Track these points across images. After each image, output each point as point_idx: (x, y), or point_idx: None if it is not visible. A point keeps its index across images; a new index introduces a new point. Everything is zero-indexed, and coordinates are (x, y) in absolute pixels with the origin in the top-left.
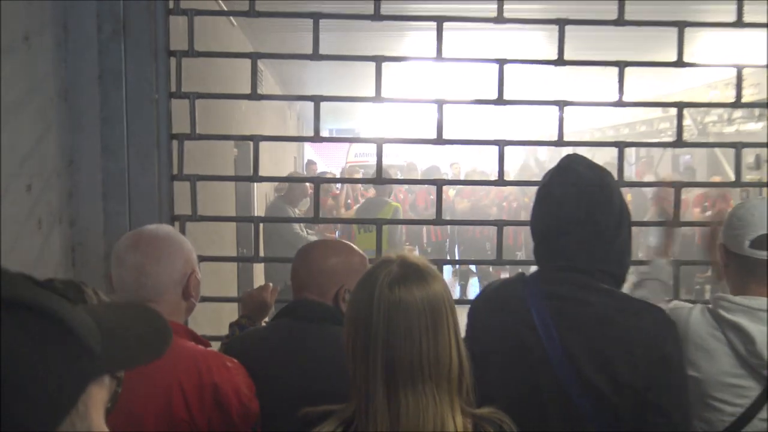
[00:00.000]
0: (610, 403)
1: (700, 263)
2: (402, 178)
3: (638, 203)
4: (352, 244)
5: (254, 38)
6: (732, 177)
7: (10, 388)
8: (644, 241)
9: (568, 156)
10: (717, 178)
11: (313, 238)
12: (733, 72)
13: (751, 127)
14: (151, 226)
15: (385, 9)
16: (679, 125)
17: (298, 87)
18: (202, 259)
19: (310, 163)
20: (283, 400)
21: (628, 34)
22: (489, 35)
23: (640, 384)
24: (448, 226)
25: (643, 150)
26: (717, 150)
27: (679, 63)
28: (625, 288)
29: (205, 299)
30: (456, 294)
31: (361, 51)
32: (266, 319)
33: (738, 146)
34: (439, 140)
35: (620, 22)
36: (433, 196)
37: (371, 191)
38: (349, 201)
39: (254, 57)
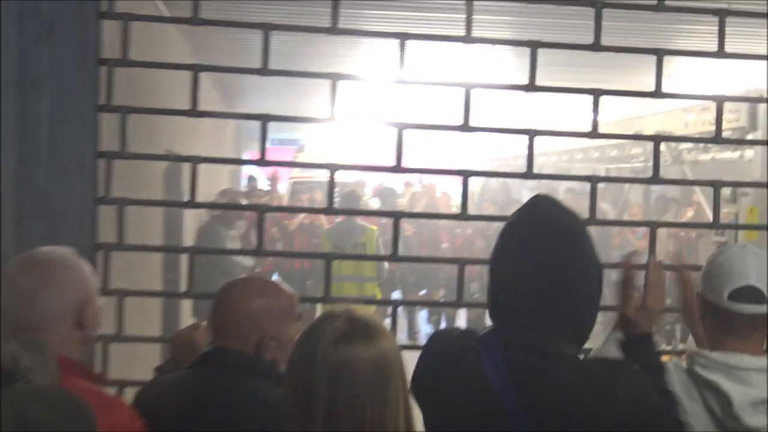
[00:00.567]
0: None
1: (671, 311)
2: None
3: (601, 233)
4: (279, 284)
5: (191, 36)
6: (707, 209)
7: None
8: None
9: (539, 196)
10: (690, 211)
11: (249, 264)
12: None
13: (727, 156)
14: (46, 248)
15: (345, 15)
16: (656, 160)
17: (239, 94)
18: (124, 293)
19: (251, 180)
20: None
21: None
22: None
23: None
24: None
25: (613, 175)
26: (689, 173)
27: (658, 93)
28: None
29: (124, 339)
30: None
31: (316, 56)
32: None
33: (716, 185)
34: (398, 168)
35: (596, 47)
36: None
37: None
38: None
39: (197, 69)
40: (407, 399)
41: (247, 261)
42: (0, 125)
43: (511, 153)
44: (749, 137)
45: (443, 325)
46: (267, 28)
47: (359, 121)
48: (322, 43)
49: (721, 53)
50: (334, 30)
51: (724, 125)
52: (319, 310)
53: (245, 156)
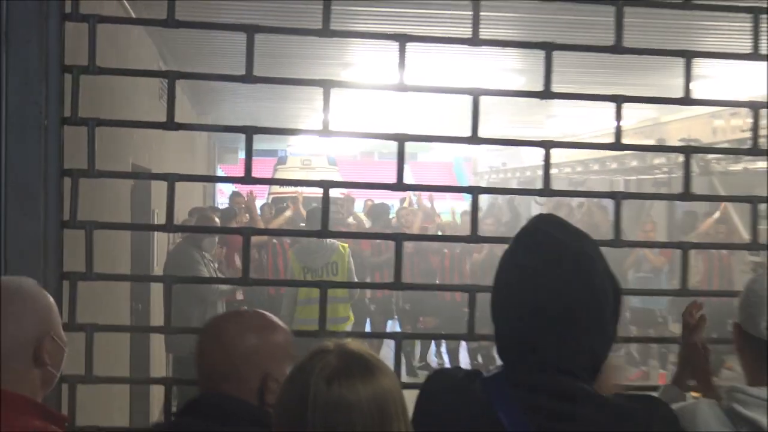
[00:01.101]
0: None
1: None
2: (338, 211)
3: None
4: (272, 317)
5: (160, 39)
6: (733, 216)
7: None
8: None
9: (540, 217)
10: (716, 213)
11: (226, 289)
12: (740, 96)
13: (761, 166)
14: (3, 278)
15: (338, 13)
16: (686, 174)
17: (211, 101)
18: (93, 328)
19: (236, 195)
20: None
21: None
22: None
23: None
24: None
25: (632, 188)
26: (719, 185)
27: (687, 100)
28: None
29: (95, 380)
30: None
31: (304, 57)
32: None
33: (754, 201)
34: (400, 185)
35: (618, 49)
36: (379, 241)
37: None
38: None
39: (173, 77)
40: None
41: (225, 286)
42: None
43: (514, 163)
44: None
45: (445, 359)
46: (252, 30)
47: (355, 133)
48: (312, 46)
49: (755, 55)
50: (325, 32)
51: (760, 131)
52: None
53: (219, 170)
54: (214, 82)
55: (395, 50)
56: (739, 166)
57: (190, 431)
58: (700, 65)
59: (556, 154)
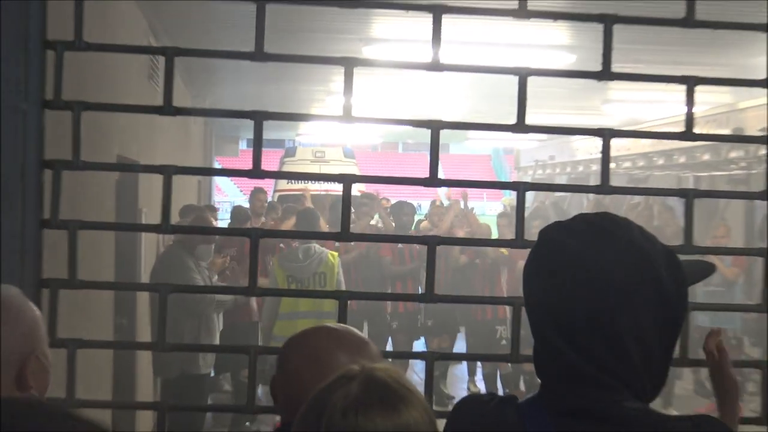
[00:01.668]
0: None
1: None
2: (367, 213)
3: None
4: (362, 335)
5: (149, 9)
6: None
7: None
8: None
9: (606, 215)
10: None
11: (225, 299)
12: None
13: None
14: None
15: None
16: None
17: (208, 81)
18: (76, 344)
19: (259, 192)
20: None
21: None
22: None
23: None
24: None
25: (704, 186)
26: None
27: None
28: None
29: (77, 404)
30: None
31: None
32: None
33: None
34: (434, 180)
35: (689, 23)
36: (402, 246)
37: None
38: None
39: (170, 54)
40: None
41: (224, 296)
42: None
43: (564, 156)
44: None
45: (481, 387)
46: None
47: (382, 119)
48: (330, 18)
49: None
50: (347, 2)
51: None
52: None
53: (216, 164)
54: (211, 60)
55: (428, 23)
56: None
57: None
58: None
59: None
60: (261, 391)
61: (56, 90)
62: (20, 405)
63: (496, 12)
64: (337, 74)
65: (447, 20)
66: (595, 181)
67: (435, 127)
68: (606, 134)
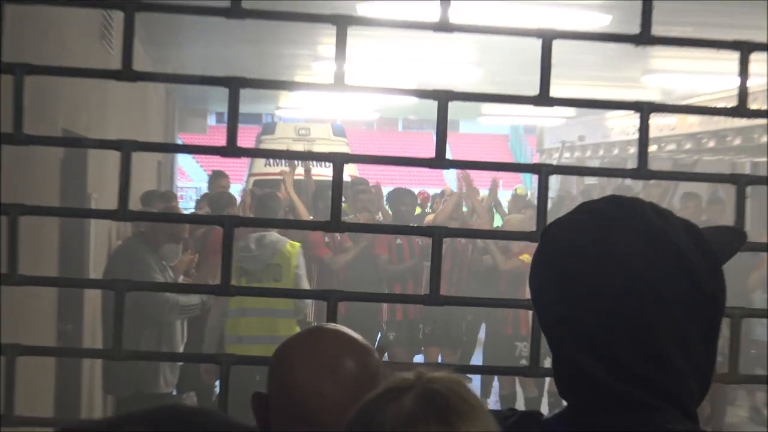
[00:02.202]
0: None
1: None
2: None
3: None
4: (359, 338)
5: None
6: None
7: None
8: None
9: (611, 199)
10: None
11: (192, 303)
12: None
13: None
14: None
15: None
16: None
17: (169, 41)
18: (17, 351)
19: (219, 176)
20: None
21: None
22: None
23: None
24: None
25: (762, 173)
26: None
27: None
28: None
29: (16, 422)
30: None
31: None
32: None
33: None
34: (441, 161)
35: None
36: (401, 241)
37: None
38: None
39: (130, 9)
40: None
41: (190, 299)
42: None
43: (596, 137)
44: None
45: (494, 401)
46: None
47: (381, 89)
48: None
49: None
50: None
51: None
52: None
53: (179, 141)
54: (175, 16)
55: None
56: None
57: None
58: None
59: (656, 125)
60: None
61: None
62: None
63: None
64: (327, 35)
65: None
66: (633, 166)
67: (443, 98)
68: (645, 109)
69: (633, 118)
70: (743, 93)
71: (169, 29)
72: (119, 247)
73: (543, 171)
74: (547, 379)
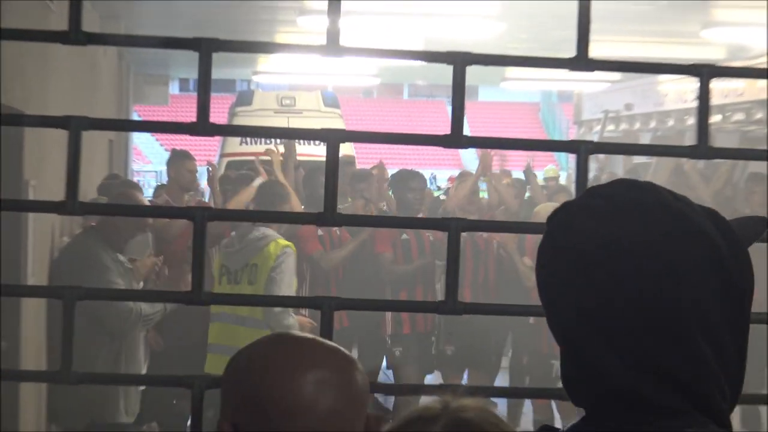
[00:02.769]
0: None
1: None
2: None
3: None
4: (336, 346)
5: None
6: None
7: None
8: None
9: (622, 182)
10: None
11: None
12: None
13: None
14: None
15: None
16: None
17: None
18: None
19: (183, 157)
20: None
21: None
22: None
23: None
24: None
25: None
26: None
27: None
28: None
29: None
30: None
31: None
32: None
33: None
34: (456, 139)
35: None
36: (408, 236)
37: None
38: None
39: None
40: None
41: (154, 306)
42: None
43: (646, 105)
44: None
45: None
46: None
47: (383, 51)
48: None
49: None
50: None
51: None
52: None
53: (136, 116)
54: None
55: None
56: None
57: None
58: None
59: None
60: None
61: None
62: None
63: None
64: None
65: None
66: (691, 141)
67: (460, 62)
68: (704, 73)
69: (692, 82)
70: None
71: None
72: (68, 245)
73: (582, 149)
74: None
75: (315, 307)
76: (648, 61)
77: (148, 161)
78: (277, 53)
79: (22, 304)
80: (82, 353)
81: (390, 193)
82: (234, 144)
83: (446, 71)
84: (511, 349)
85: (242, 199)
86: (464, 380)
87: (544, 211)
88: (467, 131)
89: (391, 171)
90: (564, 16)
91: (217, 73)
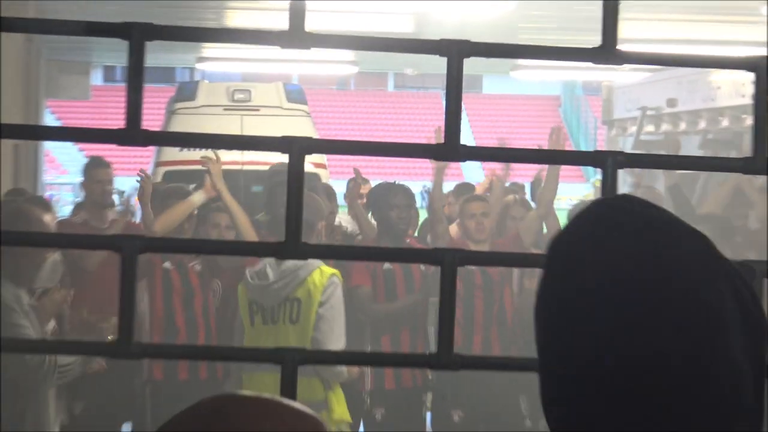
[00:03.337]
0: None
1: None
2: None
3: None
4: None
5: None
6: None
7: None
8: None
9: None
10: None
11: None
12: None
13: None
14: None
15: None
16: None
17: None
18: None
19: (97, 165)
20: None
21: None
22: None
23: None
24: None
25: None
26: None
27: None
28: None
29: None
30: None
31: None
32: None
33: None
34: (452, 149)
35: None
36: (392, 266)
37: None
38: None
39: None
40: None
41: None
42: None
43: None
44: None
45: None
46: None
47: (359, 40)
48: None
49: None
50: None
51: None
52: None
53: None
54: None
55: None
56: None
57: None
58: None
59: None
60: None
61: None
62: None
63: None
64: None
65: None
66: (744, 148)
67: (455, 52)
68: (760, 65)
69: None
70: None
71: None
72: None
73: (609, 162)
74: None
75: (275, 361)
76: (697, 42)
77: (63, 171)
78: (227, 42)
79: None
80: None
81: (369, 214)
82: (172, 150)
83: (440, 59)
84: (528, 418)
85: (174, 218)
86: None
87: None
88: (468, 134)
89: (373, 183)
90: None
91: (152, 60)
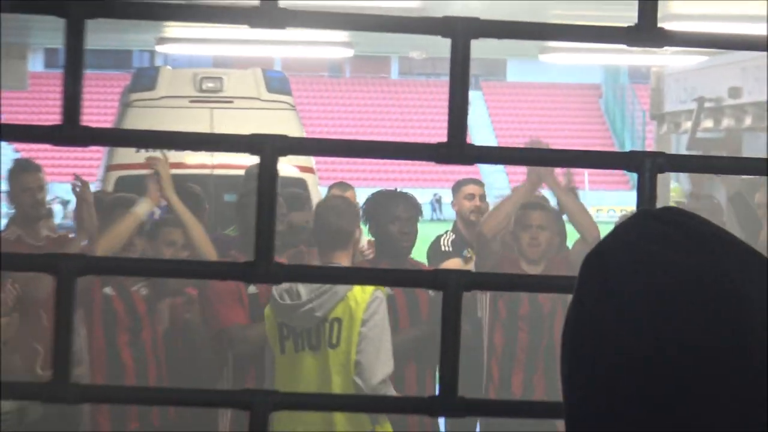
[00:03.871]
0: None
1: None
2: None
3: None
4: None
5: None
6: None
7: None
8: None
9: (668, 210)
10: None
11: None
12: None
13: None
14: None
15: None
16: None
17: None
18: None
19: (25, 170)
20: None
21: None
22: None
23: None
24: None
25: None
26: None
27: None
28: None
29: None
30: None
31: None
32: None
33: None
34: (455, 151)
35: None
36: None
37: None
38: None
39: None
40: None
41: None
42: None
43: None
44: None
45: None
46: None
47: (347, 16)
48: None
49: None
50: None
51: None
52: None
53: None
54: None
55: None
56: None
57: None
58: None
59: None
60: None
61: None
62: None
63: None
64: None
65: None
66: None
67: (461, 32)
68: None
69: None
70: None
71: None
72: None
73: (647, 165)
74: None
75: (241, 406)
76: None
77: None
78: (192, 23)
79: None
80: None
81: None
82: (128, 151)
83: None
84: None
85: (117, 235)
86: None
87: None
88: (488, 131)
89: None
90: None
91: (104, 42)
